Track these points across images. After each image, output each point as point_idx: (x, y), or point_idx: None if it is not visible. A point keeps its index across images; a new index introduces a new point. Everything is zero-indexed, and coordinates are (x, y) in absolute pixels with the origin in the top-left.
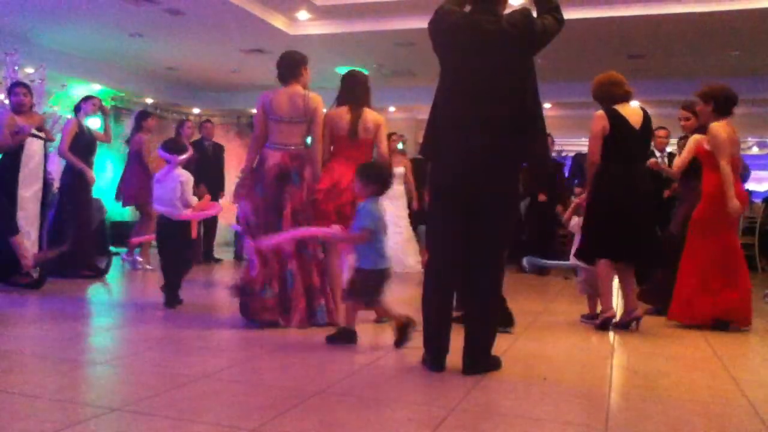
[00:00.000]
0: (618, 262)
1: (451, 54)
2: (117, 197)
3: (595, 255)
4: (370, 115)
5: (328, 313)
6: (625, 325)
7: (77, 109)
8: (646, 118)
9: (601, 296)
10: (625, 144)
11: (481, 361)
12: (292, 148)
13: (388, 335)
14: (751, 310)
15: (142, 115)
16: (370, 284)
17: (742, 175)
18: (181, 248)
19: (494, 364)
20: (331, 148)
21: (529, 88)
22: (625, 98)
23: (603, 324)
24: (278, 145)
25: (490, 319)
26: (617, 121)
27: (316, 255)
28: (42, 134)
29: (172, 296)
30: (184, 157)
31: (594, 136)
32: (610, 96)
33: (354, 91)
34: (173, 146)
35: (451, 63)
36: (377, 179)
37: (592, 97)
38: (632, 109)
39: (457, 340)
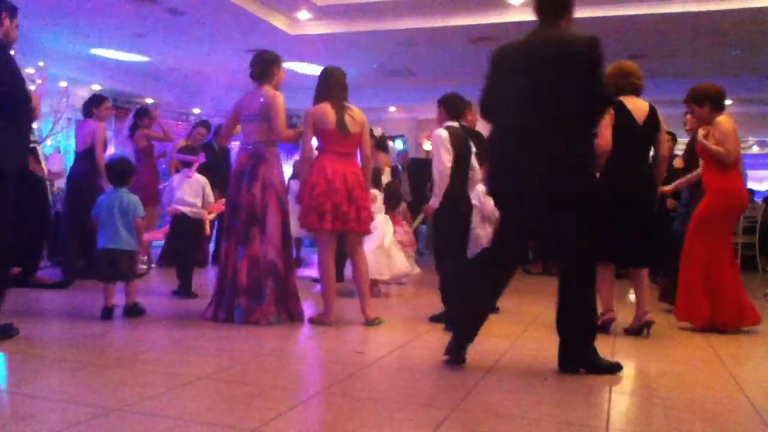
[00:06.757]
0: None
1: (514, 78)
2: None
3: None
4: (354, 110)
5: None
6: (636, 331)
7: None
8: (652, 113)
9: (599, 298)
10: (626, 140)
11: (583, 355)
12: (251, 147)
13: (386, 336)
14: (743, 310)
15: (142, 113)
16: None
17: None
18: (195, 245)
19: (602, 363)
20: (316, 144)
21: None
22: (632, 90)
23: (603, 326)
24: (243, 145)
25: (587, 311)
26: (620, 113)
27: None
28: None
29: (186, 289)
30: (202, 159)
31: (604, 124)
32: (616, 87)
33: (332, 88)
34: (190, 150)
35: (513, 86)
36: None
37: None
38: (638, 103)
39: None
